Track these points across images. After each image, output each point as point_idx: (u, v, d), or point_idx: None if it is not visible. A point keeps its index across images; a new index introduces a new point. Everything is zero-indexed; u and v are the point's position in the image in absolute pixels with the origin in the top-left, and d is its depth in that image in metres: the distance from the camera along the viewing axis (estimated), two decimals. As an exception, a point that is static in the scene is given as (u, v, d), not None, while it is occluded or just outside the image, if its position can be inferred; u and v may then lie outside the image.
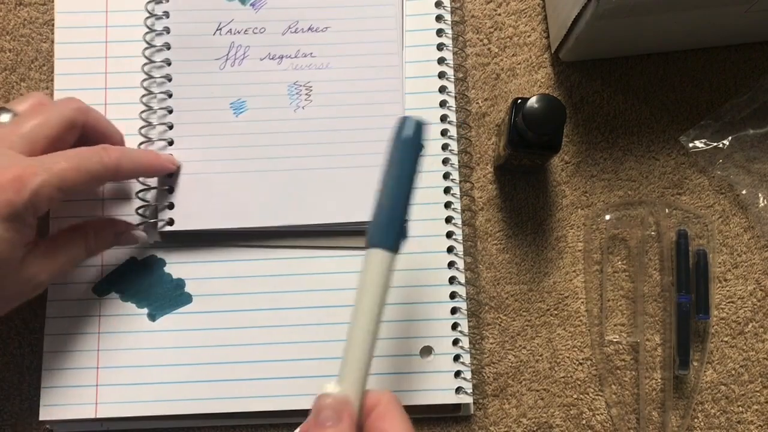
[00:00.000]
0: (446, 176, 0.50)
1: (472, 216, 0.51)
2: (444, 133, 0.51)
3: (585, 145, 0.52)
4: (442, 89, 0.51)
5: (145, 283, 0.49)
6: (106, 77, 0.51)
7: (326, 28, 0.51)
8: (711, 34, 0.51)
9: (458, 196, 0.50)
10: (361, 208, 0.49)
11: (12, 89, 0.52)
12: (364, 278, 0.36)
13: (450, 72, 0.52)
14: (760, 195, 0.51)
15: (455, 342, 0.48)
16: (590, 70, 0.53)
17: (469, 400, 0.48)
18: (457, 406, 0.49)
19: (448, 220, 0.50)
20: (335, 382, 0.34)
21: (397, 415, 0.33)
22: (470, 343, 0.49)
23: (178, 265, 0.49)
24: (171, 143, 0.50)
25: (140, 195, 0.49)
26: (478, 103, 0.52)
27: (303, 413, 0.35)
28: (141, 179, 0.49)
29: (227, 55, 0.51)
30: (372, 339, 0.35)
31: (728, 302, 0.50)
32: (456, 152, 0.51)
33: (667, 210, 0.51)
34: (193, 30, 0.51)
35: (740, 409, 0.49)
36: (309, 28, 0.51)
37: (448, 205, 0.50)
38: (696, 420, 0.49)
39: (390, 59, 0.51)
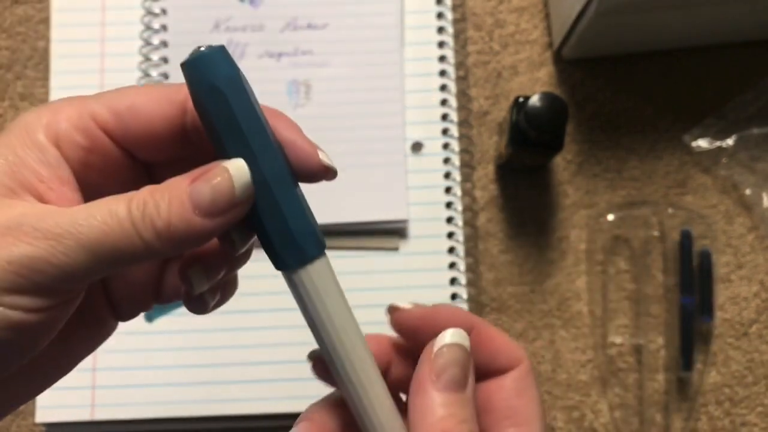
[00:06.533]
0: (447, 176, 0.50)
1: (473, 216, 0.51)
2: (445, 131, 0.50)
3: (587, 144, 0.51)
4: (443, 87, 0.51)
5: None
6: (103, 75, 0.50)
7: (325, 25, 0.51)
8: (715, 32, 0.51)
9: (459, 196, 0.50)
10: (361, 208, 0.49)
11: (8, 87, 0.51)
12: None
13: (451, 70, 0.51)
14: (764, 195, 0.51)
15: (456, 343, 0.48)
16: (593, 68, 0.52)
17: (470, 402, 0.48)
18: (457, 409, 0.48)
19: (449, 220, 0.49)
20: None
21: (535, 392, 0.27)
22: (471, 344, 0.49)
23: (175, 266, 0.49)
24: (168, 142, 0.49)
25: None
26: (479, 101, 0.52)
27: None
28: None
29: (225, 52, 0.50)
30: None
31: (732, 303, 0.50)
32: (457, 151, 0.50)
33: (670, 210, 0.50)
34: (191, 28, 0.51)
35: (744, 411, 0.49)
36: (308, 26, 0.51)
37: (449, 205, 0.49)
38: (700, 422, 0.49)
39: (390, 57, 0.50)
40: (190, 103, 0.23)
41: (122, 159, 0.24)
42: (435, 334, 0.26)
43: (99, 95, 0.24)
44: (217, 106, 0.22)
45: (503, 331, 0.28)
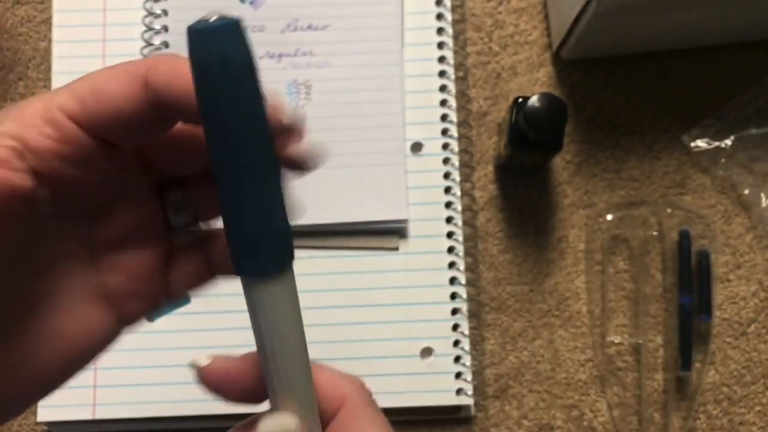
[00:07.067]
0: (447, 176, 0.50)
1: (472, 216, 0.51)
2: (444, 132, 0.50)
3: (587, 145, 0.52)
4: (443, 88, 0.51)
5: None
6: (104, 76, 0.51)
7: (326, 26, 0.51)
8: (714, 33, 0.51)
9: (459, 196, 0.50)
10: (361, 208, 0.49)
11: (10, 88, 0.52)
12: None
13: (450, 71, 0.51)
14: (762, 195, 0.51)
15: (456, 343, 0.48)
16: (592, 69, 0.52)
17: (469, 401, 0.48)
18: (457, 408, 0.48)
19: (449, 220, 0.50)
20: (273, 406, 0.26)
21: (368, 413, 0.26)
22: (471, 344, 0.49)
23: (176, 266, 0.49)
24: (169, 142, 0.49)
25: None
26: (478, 102, 0.52)
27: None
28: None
29: (226, 53, 0.51)
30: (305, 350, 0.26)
31: (731, 303, 0.50)
32: (456, 152, 0.50)
33: (669, 210, 0.51)
34: (192, 28, 0.51)
35: (743, 410, 0.49)
36: (308, 27, 0.51)
37: (448, 205, 0.50)
38: (698, 421, 0.49)
39: (390, 57, 0.51)
40: (151, 77, 0.22)
41: (96, 147, 0.23)
42: (252, 386, 0.26)
43: (66, 85, 0.23)
44: (218, 86, 0.19)
45: (329, 368, 0.27)
